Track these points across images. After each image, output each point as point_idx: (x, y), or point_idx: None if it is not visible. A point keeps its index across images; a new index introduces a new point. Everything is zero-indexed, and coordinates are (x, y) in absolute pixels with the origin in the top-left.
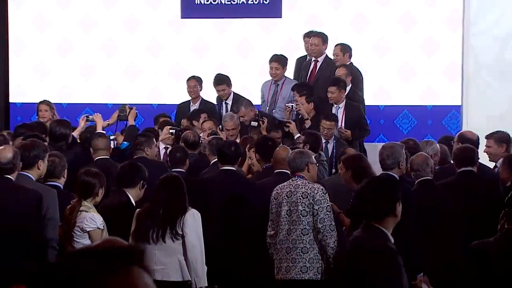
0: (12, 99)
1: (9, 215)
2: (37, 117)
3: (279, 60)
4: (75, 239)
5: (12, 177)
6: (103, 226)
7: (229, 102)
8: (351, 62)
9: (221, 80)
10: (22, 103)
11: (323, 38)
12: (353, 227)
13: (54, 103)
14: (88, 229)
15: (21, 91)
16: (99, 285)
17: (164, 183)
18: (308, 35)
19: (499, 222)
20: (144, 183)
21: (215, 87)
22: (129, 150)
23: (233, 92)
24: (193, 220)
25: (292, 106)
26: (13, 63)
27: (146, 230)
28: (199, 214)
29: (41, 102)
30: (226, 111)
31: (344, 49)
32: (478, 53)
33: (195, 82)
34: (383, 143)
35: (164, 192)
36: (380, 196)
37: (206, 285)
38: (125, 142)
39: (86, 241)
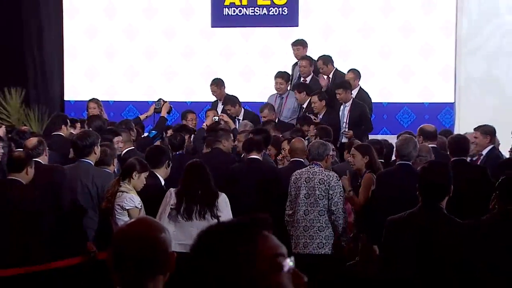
0: (67, 97)
1: (42, 190)
2: (87, 113)
3: (282, 76)
4: (116, 216)
5: (41, 160)
6: (141, 206)
7: (240, 117)
8: (336, 69)
9: (227, 101)
10: (75, 101)
11: (307, 59)
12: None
13: (102, 101)
14: (127, 208)
15: (74, 91)
16: (242, 251)
17: (192, 168)
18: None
19: (490, 203)
20: (169, 162)
21: (224, 106)
22: (157, 138)
23: (243, 109)
24: (225, 204)
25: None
26: (67, 66)
27: (189, 208)
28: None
29: (90, 100)
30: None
31: (327, 60)
32: (469, 69)
33: (214, 88)
34: (403, 135)
35: (197, 176)
36: (447, 178)
37: None
38: (154, 131)
39: (126, 218)
